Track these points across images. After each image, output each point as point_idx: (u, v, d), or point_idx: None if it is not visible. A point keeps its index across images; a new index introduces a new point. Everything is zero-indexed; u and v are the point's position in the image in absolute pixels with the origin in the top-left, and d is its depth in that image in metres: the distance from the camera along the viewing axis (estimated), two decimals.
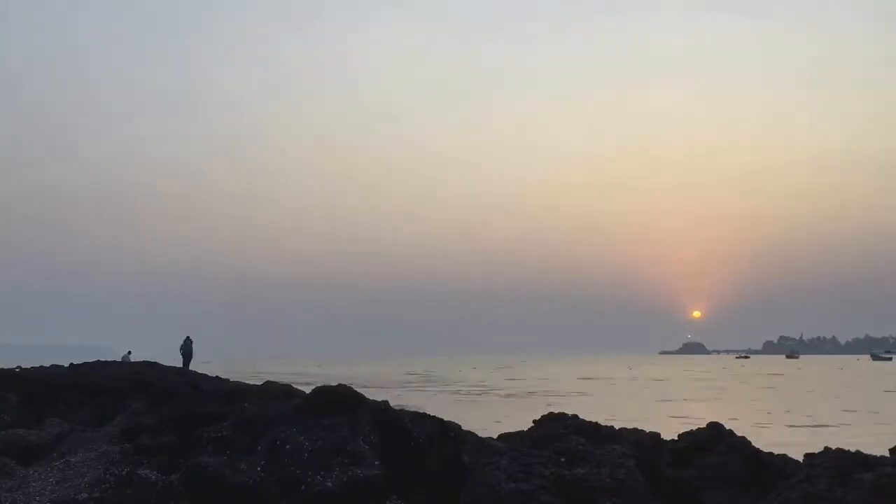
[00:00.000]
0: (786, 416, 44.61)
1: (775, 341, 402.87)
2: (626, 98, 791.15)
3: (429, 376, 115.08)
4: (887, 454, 11.36)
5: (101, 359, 35.14)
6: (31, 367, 28.75)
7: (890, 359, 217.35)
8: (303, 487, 10.67)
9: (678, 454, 13.01)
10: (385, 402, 13.18)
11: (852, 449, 11.27)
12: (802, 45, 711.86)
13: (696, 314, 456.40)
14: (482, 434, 14.24)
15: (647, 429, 14.01)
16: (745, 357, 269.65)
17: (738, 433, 13.31)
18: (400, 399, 47.09)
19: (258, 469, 11.02)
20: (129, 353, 38.04)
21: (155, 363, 30.85)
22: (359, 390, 13.15)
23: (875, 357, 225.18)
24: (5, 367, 27.84)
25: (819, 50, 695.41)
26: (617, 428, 13.78)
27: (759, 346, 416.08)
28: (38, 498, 11.64)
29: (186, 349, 36.76)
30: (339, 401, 12.49)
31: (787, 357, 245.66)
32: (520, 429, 14.34)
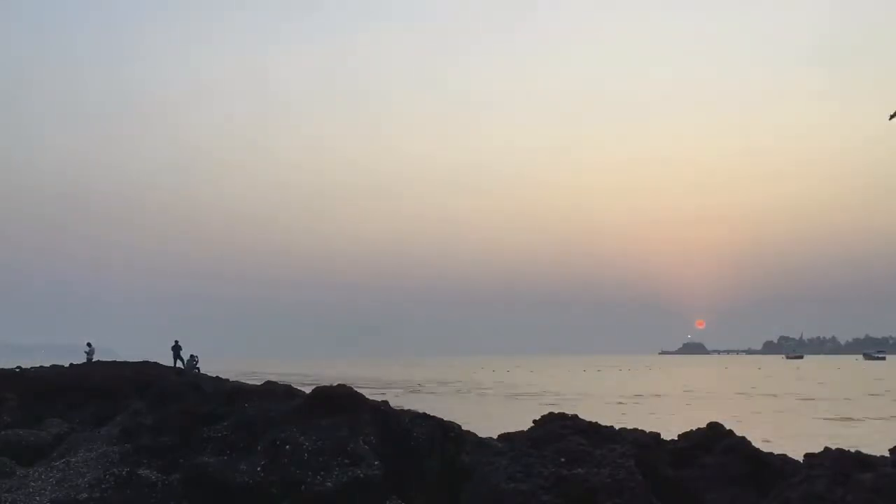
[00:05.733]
0: None
1: (775, 341, 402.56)
2: (627, 101, 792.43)
3: (428, 376, 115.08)
4: (887, 454, 11.38)
5: (101, 359, 35.35)
6: (31, 367, 28.80)
7: (883, 358, 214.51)
8: (303, 487, 10.67)
9: (678, 454, 13.01)
10: (385, 403, 13.18)
11: (852, 449, 11.29)
12: (809, 46, 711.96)
13: (700, 323, 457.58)
14: (482, 434, 14.24)
15: (648, 429, 14.03)
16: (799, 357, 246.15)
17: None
18: (400, 399, 47.10)
19: (258, 469, 11.02)
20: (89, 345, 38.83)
21: (155, 363, 30.92)
22: (358, 390, 13.15)
23: (867, 357, 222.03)
24: (5, 367, 27.88)
25: (825, 50, 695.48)
26: (617, 428, 13.79)
27: (759, 346, 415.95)
28: (38, 498, 11.64)
29: (176, 352, 37.56)
30: (339, 401, 12.48)
31: (788, 357, 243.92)
32: (520, 429, 14.35)
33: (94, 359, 36.44)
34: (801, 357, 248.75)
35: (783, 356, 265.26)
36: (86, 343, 39.23)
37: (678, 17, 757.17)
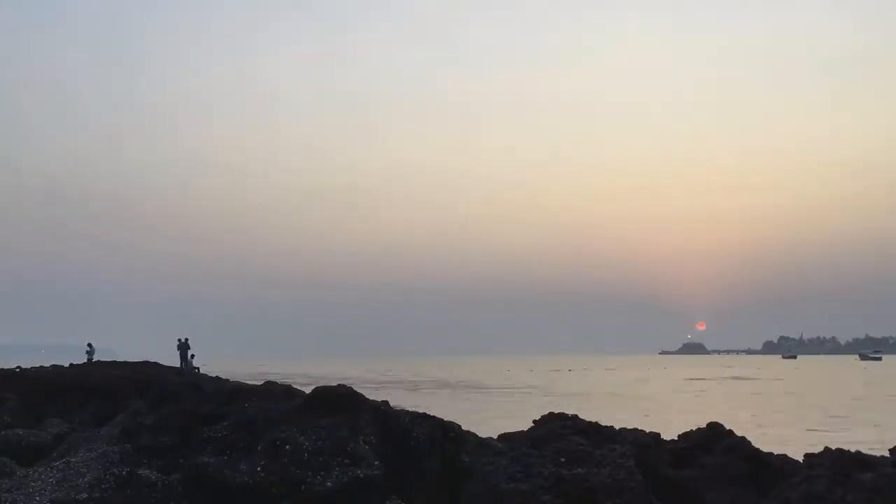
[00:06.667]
0: None
1: (775, 341, 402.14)
2: (627, 102, 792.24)
3: (428, 376, 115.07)
4: (887, 454, 11.38)
5: (101, 359, 35.36)
6: (31, 367, 28.80)
7: (879, 359, 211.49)
8: (303, 487, 10.67)
9: (678, 454, 13.02)
10: (385, 402, 13.17)
11: (852, 449, 11.30)
12: (817, 45, 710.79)
13: (701, 325, 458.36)
14: (482, 434, 14.24)
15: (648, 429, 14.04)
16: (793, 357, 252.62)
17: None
18: (399, 399, 47.06)
19: (258, 469, 11.01)
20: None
21: (155, 363, 30.93)
22: (358, 390, 13.15)
23: (863, 357, 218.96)
24: (5, 367, 27.89)
25: (828, 51, 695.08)
26: (617, 428, 13.80)
27: (759, 347, 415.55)
28: (38, 498, 11.63)
29: (182, 349, 37.33)
30: (339, 401, 12.47)
31: (784, 357, 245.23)
32: (520, 429, 14.35)
33: (94, 359, 36.45)
34: (794, 357, 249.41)
35: (780, 356, 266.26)
36: (86, 343, 39.24)
37: (680, 18, 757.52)
